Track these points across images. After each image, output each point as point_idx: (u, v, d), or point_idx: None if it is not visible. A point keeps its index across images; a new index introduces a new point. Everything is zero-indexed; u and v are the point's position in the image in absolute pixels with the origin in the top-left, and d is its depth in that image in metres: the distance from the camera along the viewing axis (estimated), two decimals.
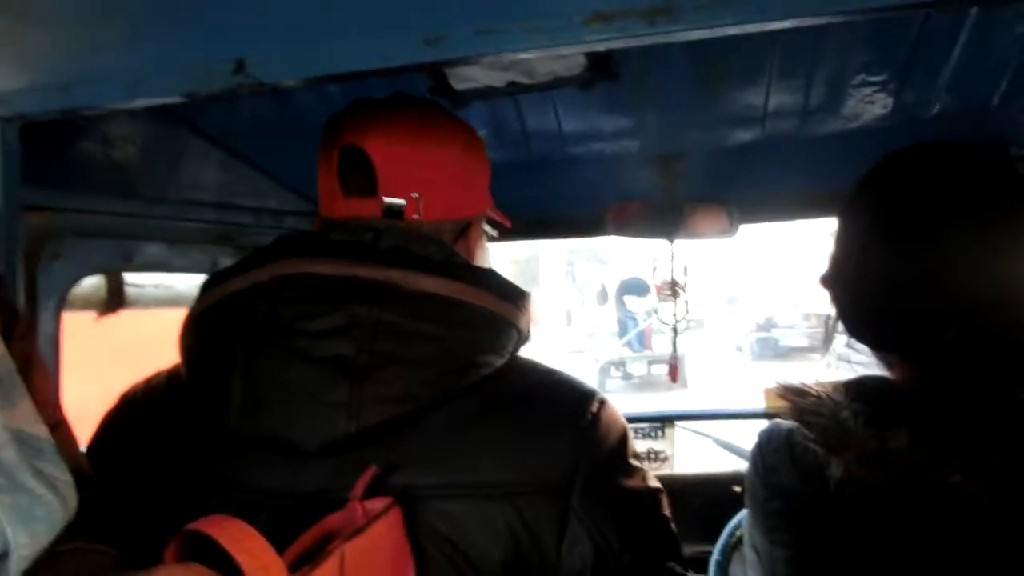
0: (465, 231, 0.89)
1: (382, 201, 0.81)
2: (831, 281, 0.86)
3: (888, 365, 0.84)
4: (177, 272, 1.20)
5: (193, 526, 0.57)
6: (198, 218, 1.28)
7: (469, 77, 1.32)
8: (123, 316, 1.12)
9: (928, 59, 1.18)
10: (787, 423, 0.84)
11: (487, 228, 0.95)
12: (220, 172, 1.34)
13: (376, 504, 0.67)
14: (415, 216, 0.82)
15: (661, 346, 13.22)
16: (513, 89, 1.35)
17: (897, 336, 0.80)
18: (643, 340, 13.57)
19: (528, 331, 0.82)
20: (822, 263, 0.89)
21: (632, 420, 2.01)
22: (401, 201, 0.82)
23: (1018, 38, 1.08)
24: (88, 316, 1.07)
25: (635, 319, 13.61)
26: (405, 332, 0.72)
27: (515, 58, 0.66)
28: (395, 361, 0.71)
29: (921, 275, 0.75)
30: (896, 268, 0.77)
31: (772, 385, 2.07)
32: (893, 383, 0.79)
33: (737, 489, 1.85)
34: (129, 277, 1.13)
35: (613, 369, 13.76)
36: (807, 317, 14.88)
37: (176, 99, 0.71)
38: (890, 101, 1.33)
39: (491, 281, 0.80)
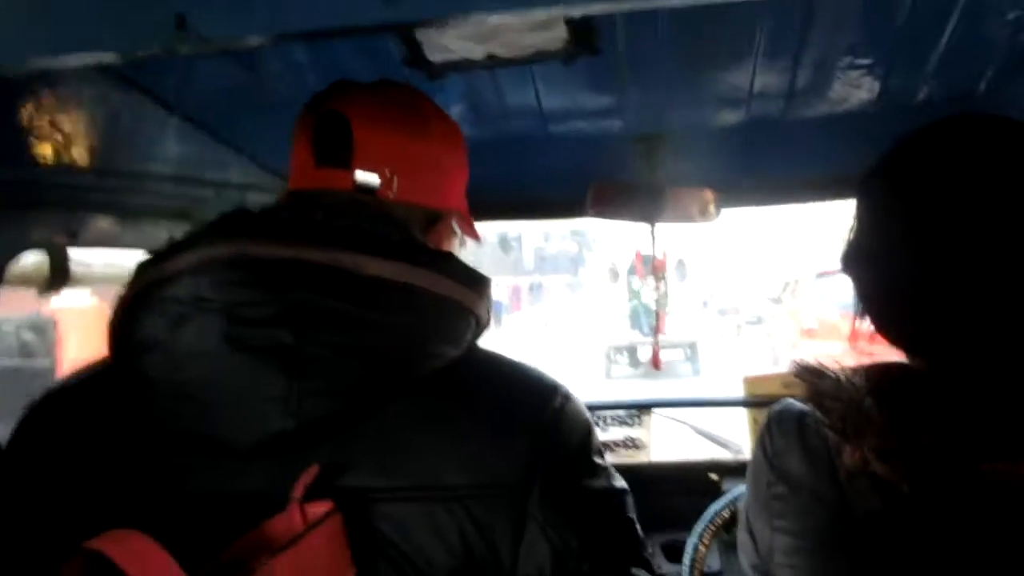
0: (435, 224, 0.85)
1: (354, 174, 0.78)
2: (848, 264, 0.80)
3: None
4: (128, 248, 1.14)
5: (91, 544, 0.53)
6: (152, 191, 1.22)
7: (445, 48, 1.27)
8: None
9: (916, 43, 1.13)
10: (799, 405, 0.78)
11: (457, 231, 0.91)
12: (178, 142, 1.27)
13: (318, 508, 0.63)
14: (388, 195, 0.78)
15: (676, 332, 13.14)
16: (492, 62, 1.29)
17: (918, 336, 0.74)
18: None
19: (488, 319, 0.78)
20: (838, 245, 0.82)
21: (608, 407, 1.98)
22: (375, 176, 0.78)
23: (1007, 23, 1.03)
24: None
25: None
26: (353, 320, 0.68)
27: (486, 21, 0.60)
28: (341, 352, 0.67)
29: (944, 273, 0.70)
30: (915, 263, 0.71)
31: (752, 374, 2.06)
32: (917, 375, 0.72)
33: (714, 477, 1.84)
34: (75, 254, 1.07)
35: (617, 355, 13.66)
36: None
37: (112, 58, 0.64)
38: (876, 85, 1.28)
39: (450, 265, 0.75)
